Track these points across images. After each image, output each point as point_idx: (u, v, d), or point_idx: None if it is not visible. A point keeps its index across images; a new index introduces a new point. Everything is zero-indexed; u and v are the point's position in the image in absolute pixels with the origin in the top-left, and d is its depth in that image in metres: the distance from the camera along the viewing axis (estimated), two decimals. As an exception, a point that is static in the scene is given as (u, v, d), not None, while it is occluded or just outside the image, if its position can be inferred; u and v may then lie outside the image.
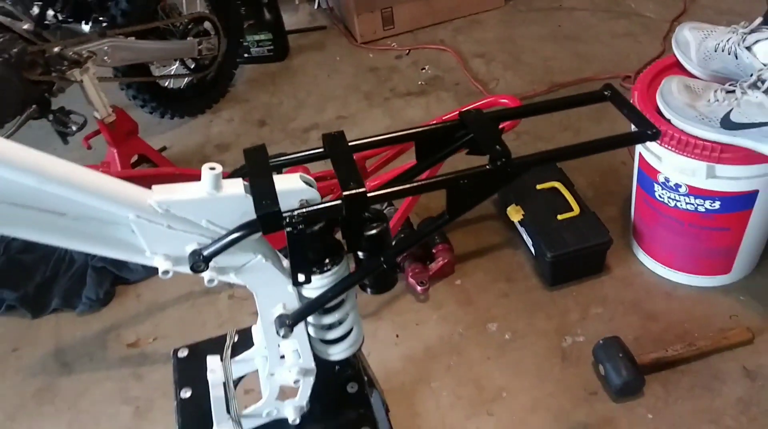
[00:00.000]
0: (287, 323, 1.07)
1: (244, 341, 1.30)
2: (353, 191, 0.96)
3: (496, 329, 1.88)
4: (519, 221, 2.02)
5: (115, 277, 2.12)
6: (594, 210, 1.98)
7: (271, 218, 0.95)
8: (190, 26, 2.61)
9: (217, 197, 0.96)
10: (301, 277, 1.05)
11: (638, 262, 2.00)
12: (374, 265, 1.07)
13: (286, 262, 1.09)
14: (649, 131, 1.04)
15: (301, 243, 1.01)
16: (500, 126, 1.56)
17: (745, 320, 1.81)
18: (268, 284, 1.06)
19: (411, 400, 1.73)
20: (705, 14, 3.04)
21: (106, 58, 2.20)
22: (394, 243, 1.09)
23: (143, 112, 2.66)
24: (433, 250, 2.03)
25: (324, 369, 1.24)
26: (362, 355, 1.38)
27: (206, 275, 1.01)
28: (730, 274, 1.87)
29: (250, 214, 0.97)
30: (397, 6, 3.11)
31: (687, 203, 1.71)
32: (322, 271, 1.07)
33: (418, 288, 1.95)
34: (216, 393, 1.22)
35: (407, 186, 1.01)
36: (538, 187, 2.06)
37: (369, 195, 0.96)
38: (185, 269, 1.00)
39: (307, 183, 1.01)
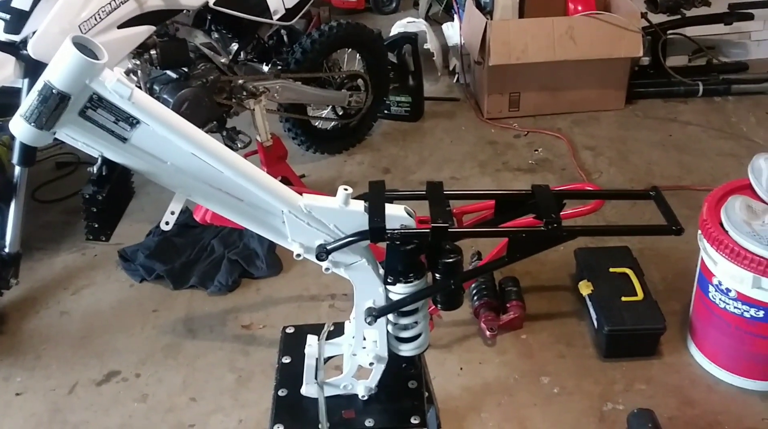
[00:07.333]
0: (373, 314, 1.43)
1: (338, 331, 1.67)
2: (439, 224, 1.32)
3: (547, 382, 2.14)
4: (588, 295, 2.29)
5: (243, 271, 2.57)
6: (659, 301, 2.22)
7: (377, 231, 1.33)
8: (346, 80, 3.10)
9: (345, 210, 1.36)
10: (390, 280, 1.41)
11: (689, 353, 2.21)
12: (445, 285, 1.42)
13: (381, 271, 1.46)
14: (674, 227, 1.34)
15: (396, 255, 1.38)
16: (583, 208, 1.92)
17: (775, 425, 1.98)
18: (365, 282, 1.43)
19: (461, 423, 2.03)
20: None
21: (276, 95, 2.71)
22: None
23: (293, 143, 3.16)
24: (507, 305, 2.33)
25: (394, 365, 1.58)
26: (428, 375, 1.71)
27: (324, 264, 1.40)
28: (769, 381, 2.06)
29: (365, 227, 1.35)
30: (525, 92, 3.49)
31: (735, 307, 1.94)
32: (406, 281, 1.43)
33: (488, 333, 2.25)
34: (309, 362, 1.59)
35: (478, 229, 1.36)
36: (611, 270, 2.33)
37: (450, 230, 1.32)
38: (311, 257, 1.40)
39: (409, 214, 1.38)
